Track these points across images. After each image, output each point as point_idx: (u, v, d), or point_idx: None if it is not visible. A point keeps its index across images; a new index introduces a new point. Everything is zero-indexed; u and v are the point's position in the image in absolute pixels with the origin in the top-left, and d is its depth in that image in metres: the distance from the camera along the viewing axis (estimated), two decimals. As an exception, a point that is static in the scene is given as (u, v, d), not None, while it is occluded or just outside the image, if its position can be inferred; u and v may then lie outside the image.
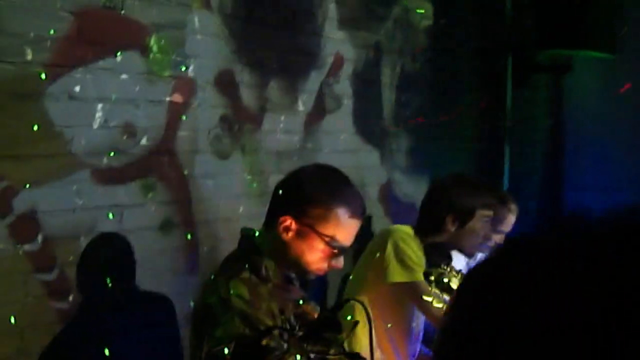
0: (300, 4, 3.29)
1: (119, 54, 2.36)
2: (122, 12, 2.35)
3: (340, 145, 3.66)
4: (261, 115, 3.12)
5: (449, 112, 4.56)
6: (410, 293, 2.55)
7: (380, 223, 3.87)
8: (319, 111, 3.50)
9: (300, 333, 1.47)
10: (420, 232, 2.68)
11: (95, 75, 2.28)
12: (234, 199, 2.97)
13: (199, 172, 2.78)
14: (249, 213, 3.03)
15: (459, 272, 1.97)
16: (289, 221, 1.72)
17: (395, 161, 4.20)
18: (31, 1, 2.06)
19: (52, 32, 2.11)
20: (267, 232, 1.76)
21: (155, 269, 2.57)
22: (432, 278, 2.05)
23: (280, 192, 1.79)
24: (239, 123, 2.97)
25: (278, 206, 1.77)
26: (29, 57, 2.07)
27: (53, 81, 2.15)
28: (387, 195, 4.13)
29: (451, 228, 2.66)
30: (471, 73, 4.86)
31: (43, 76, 2.09)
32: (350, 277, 2.84)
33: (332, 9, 3.53)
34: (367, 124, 3.89)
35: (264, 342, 1.37)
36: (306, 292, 1.88)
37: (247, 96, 3.02)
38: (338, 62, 3.61)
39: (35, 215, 2.13)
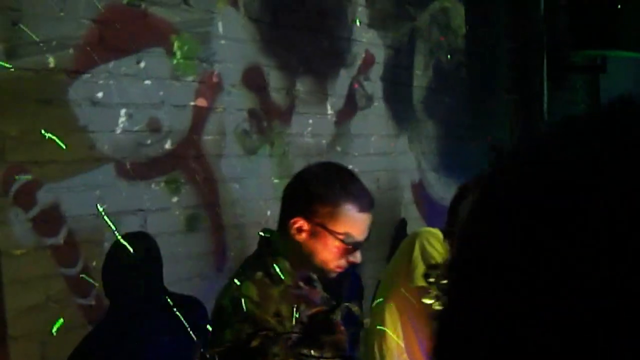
0: (327, 5, 3.28)
1: (142, 59, 2.38)
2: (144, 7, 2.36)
3: (371, 147, 3.64)
4: (289, 117, 3.12)
5: (484, 112, 4.51)
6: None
7: (414, 225, 3.83)
8: (348, 112, 3.49)
9: (297, 336, 1.45)
10: (449, 234, 2.64)
11: (117, 81, 2.31)
12: (261, 201, 2.97)
13: (226, 175, 2.79)
14: (277, 216, 3.03)
15: None
16: (300, 222, 1.72)
17: (428, 163, 4.16)
18: (53, 9, 2.09)
19: (74, 38, 2.14)
20: (282, 234, 1.76)
21: (181, 273, 2.59)
22: (432, 280, 2.01)
23: (288, 193, 1.78)
24: (266, 124, 2.97)
25: (288, 208, 1.77)
26: (52, 64, 2.10)
27: (76, 87, 2.18)
28: (421, 197, 4.09)
29: None
30: (506, 73, 4.80)
31: (65, 82, 2.12)
32: (380, 280, 2.83)
33: (361, 10, 3.52)
34: (399, 126, 3.86)
35: (253, 343, 1.36)
36: (340, 294, 1.86)
37: (275, 98, 3.03)
38: (368, 62, 3.59)
39: (59, 214, 2.16)
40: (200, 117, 2.66)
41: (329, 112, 3.34)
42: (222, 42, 2.73)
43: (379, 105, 3.68)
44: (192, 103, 2.61)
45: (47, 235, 2.13)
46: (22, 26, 2.01)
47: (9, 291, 2.00)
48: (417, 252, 2.59)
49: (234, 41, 2.77)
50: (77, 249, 2.21)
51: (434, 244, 2.59)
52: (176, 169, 2.55)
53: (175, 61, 2.52)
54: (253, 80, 2.89)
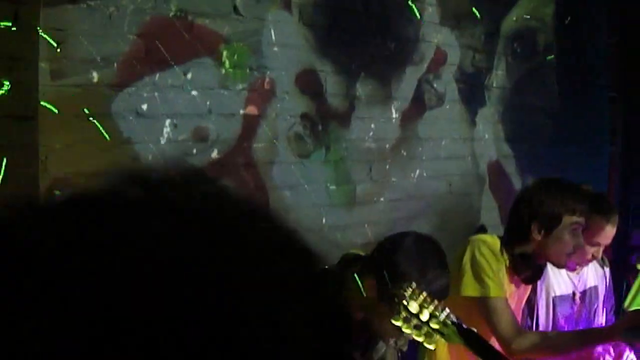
0: (391, 6, 3.23)
1: (189, 71, 2.45)
2: (192, 30, 2.44)
3: (442, 151, 3.57)
4: (348, 121, 3.11)
5: (580, 113, 4.29)
6: (481, 309, 2.44)
7: (495, 232, 3.72)
8: (415, 115, 3.43)
9: None
10: (508, 242, 2.55)
11: (163, 92, 2.40)
12: (316, 208, 2.99)
13: (278, 182, 2.83)
14: (334, 223, 3.04)
15: (422, 292, 1.81)
16: (373, 285, 1.82)
17: (511, 167, 4.02)
18: (97, 26, 2.20)
19: (119, 54, 2.24)
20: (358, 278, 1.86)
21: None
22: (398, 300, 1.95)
23: (376, 254, 1.87)
24: (322, 128, 2.98)
25: (370, 263, 1.84)
26: (95, 79, 2.21)
27: (119, 100, 2.29)
28: (504, 203, 3.95)
29: (537, 237, 2.51)
30: (605, 70, 4.53)
31: (109, 96, 2.23)
32: None
33: (430, 9, 3.44)
34: (475, 128, 3.75)
35: None
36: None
37: (332, 102, 3.03)
38: (439, 61, 3.51)
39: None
40: (250, 124, 2.71)
41: (394, 115, 3.30)
42: (275, 48, 2.76)
43: (451, 107, 3.59)
44: (242, 111, 2.66)
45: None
46: (65, 45, 2.13)
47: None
48: (466, 259, 2.52)
49: (287, 47, 2.80)
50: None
51: (485, 253, 2.50)
52: (224, 177, 2.62)
53: (224, 70, 2.58)
54: (308, 85, 2.91)
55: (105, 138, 2.25)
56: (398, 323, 1.73)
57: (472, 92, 3.70)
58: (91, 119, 2.22)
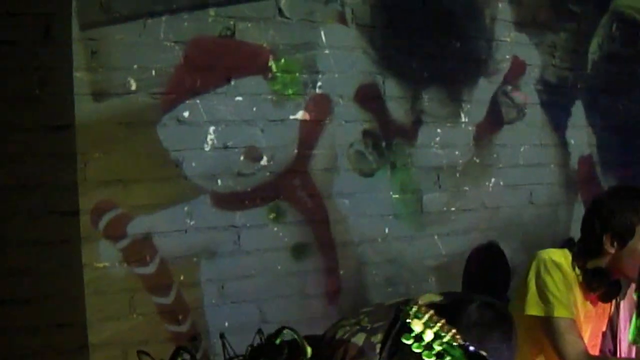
0: (457, 5, 3.11)
1: (233, 79, 2.45)
2: (235, 36, 2.43)
3: (521, 158, 3.37)
4: (413, 128, 3.00)
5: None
6: (545, 329, 2.27)
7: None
8: (492, 122, 3.26)
9: None
10: (580, 256, 2.37)
11: (207, 100, 2.40)
12: (378, 218, 2.89)
13: (338, 191, 2.75)
14: (397, 234, 2.93)
15: (430, 309, 1.69)
16: None
17: (606, 176, 3.75)
18: (131, 34, 2.23)
19: (154, 61, 2.26)
20: None
21: (284, 293, 2.60)
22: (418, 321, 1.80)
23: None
24: (385, 138, 2.89)
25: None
26: (133, 87, 2.24)
27: (160, 109, 2.31)
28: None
29: (610, 249, 2.33)
30: None
31: (146, 104, 2.26)
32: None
33: (503, 8, 3.28)
34: (558, 134, 3.53)
35: None
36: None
37: (394, 109, 2.93)
38: (516, 66, 3.34)
39: (150, 239, 2.29)
40: (304, 132, 2.65)
41: (463, 120, 3.15)
42: (327, 52, 2.70)
43: (530, 111, 3.39)
44: (292, 117, 2.61)
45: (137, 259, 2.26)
46: (100, 54, 2.17)
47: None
48: (531, 276, 2.39)
49: (340, 50, 2.73)
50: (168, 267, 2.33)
51: (551, 269, 2.35)
52: (277, 188, 2.58)
53: (272, 75, 2.55)
54: (364, 91, 2.83)
55: (144, 146, 2.26)
56: (407, 342, 1.64)
57: (555, 95, 3.49)
58: (129, 127, 2.24)
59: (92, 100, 2.20)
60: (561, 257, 2.41)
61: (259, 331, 1.75)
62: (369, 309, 1.98)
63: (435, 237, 3.08)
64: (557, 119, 3.53)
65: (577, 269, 2.39)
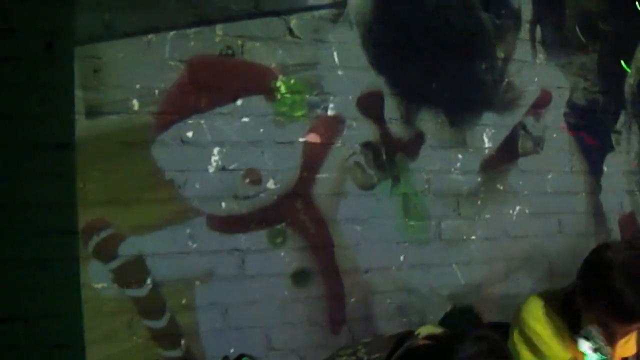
0: (478, 26, 3.10)
1: (239, 99, 2.48)
2: (243, 55, 2.47)
3: (548, 185, 3.32)
4: (431, 153, 2.98)
5: None
6: None
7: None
8: (516, 148, 3.22)
9: None
10: (571, 298, 2.23)
11: (211, 120, 2.43)
12: (391, 245, 2.87)
13: (345, 216, 2.75)
14: (412, 261, 2.91)
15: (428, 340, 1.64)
16: None
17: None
18: (134, 53, 2.28)
19: (160, 81, 2.31)
20: None
21: (288, 319, 2.60)
22: None
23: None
24: (395, 162, 2.88)
25: None
26: (135, 107, 2.29)
27: (163, 128, 2.35)
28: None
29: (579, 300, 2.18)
30: None
31: (149, 123, 2.30)
32: None
33: (530, 29, 3.26)
34: (590, 160, 3.46)
35: None
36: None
37: (401, 130, 2.92)
38: (545, 92, 3.30)
39: (149, 261, 2.32)
40: (311, 155, 2.67)
41: (486, 145, 3.12)
42: (339, 72, 2.72)
43: (558, 136, 3.34)
44: (299, 139, 2.63)
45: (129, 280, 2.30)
46: (102, 73, 2.23)
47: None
48: (515, 336, 2.23)
49: (349, 69, 2.75)
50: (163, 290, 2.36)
51: (533, 324, 2.19)
52: (279, 211, 2.59)
53: (279, 96, 2.58)
54: (377, 113, 2.83)
55: (145, 165, 2.30)
56: None
57: (585, 118, 3.43)
58: (130, 146, 2.29)
59: (93, 119, 2.26)
60: (539, 310, 2.24)
61: (225, 357, 1.76)
62: (368, 339, 1.97)
63: (454, 265, 3.04)
64: (589, 144, 3.47)
65: (557, 316, 2.20)
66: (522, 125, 3.24)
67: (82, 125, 2.23)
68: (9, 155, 2.15)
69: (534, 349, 2.14)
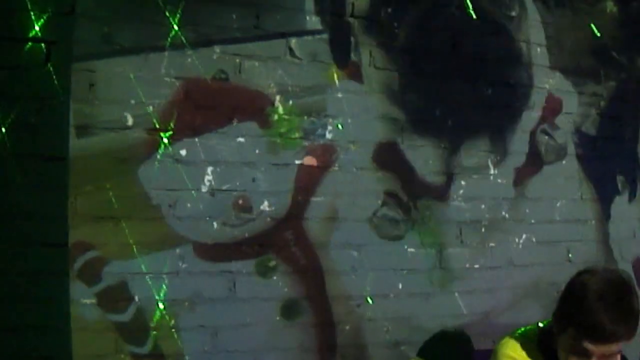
0: (490, 49, 3.16)
1: (235, 120, 2.55)
2: (240, 74, 2.55)
3: (557, 213, 3.36)
4: (433, 180, 3.04)
5: None
6: None
7: None
8: (523, 175, 3.28)
9: None
10: (548, 336, 2.27)
11: (205, 139, 2.51)
12: (391, 273, 2.92)
13: (340, 240, 2.81)
14: (413, 290, 2.95)
15: None
16: None
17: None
18: (131, 68, 2.37)
19: (155, 98, 2.40)
20: None
21: (279, 346, 2.65)
22: None
23: None
24: (407, 195, 2.94)
25: None
26: (130, 122, 2.37)
27: (155, 144, 2.43)
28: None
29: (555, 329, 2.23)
30: None
31: (143, 139, 2.38)
32: None
33: (540, 52, 3.33)
34: (601, 187, 3.50)
35: None
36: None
37: (412, 158, 2.99)
38: (551, 109, 3.36)
39: (126, 284, 2.38)
40: (304, 177, 2.73)
41: (491, 172, 3.18)
42: (339, 95, 2.79)
43: (567, 162, 3.39)
44: (297, 162, 2.69)
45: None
46: (98, 87, 2.31)
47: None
48: None
49: (354, 94, 2.82)
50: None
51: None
52: (271, 233, 2.64)
53: (276, 118, 2.65)
54: (379, 137, 2.90)
55: (136, 183, 2.38)
56: None
57: (595, 145, 3.48)
58: (122, 162, 2.37)
59: (87, 133, 2.35)
60: (517, 349, 2.28)
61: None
62: None
63: (456, 294, 3.09)
64: (600, 171, 3.51)
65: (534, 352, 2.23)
66: (538, 144, 3.29)
67: (76, 139, 2.32)
68: (2, 165, 2.23)
69: None
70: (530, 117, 3.32)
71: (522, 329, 2.32)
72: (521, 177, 3.28)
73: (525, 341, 2.25)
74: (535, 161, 3.34)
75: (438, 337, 3.00)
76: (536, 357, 2.20)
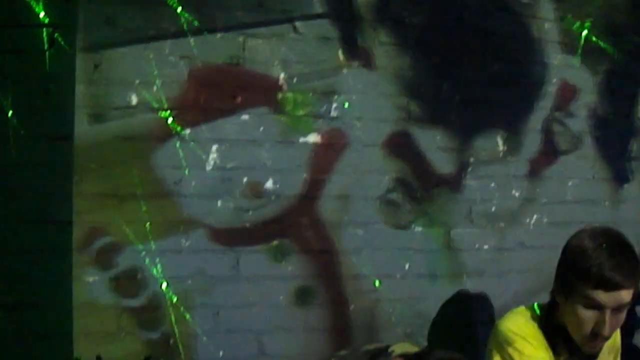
0: (499, 28, 3.25)
1: (242, 100, 2.67)
2: (244, 53, 2.67)
3: (569, 193, 3.45)
4: (441, 156, 3.14)
5: None
6: None
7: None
8: (535, 154, 3.36)
9: None
10: (548, 309, 2.38)
11: (212, 119, 2.63)
12: (398, 253, 3.02)
13: (351, 220, 2.92)
14: (420, 271, 3.06)
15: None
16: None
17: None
18: (135, 48, 2.49)
19: (160, 78, 2.52)
20: None
21: (288, 326, 2.77)
22: None
23: None
24: (416, 180, 3.04)
25: None
26: (133, 101, 2.50)
27: (159, 123, 2.56)
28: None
29: (559, 299, 2.35)
30: None
31: (147, 119, 2.51)
32: None
33: (552, 29, 3.40)
34: (615, 167, 3.58)
35: None
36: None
37: (419, 135, 3.09)
38: (567, 95, 3.43)
39: (142, 259, 2.52)
40: (315, 157, 2.84)
41: (500, 149, 3.27)
42: (344, 71, 2.90)
43: (580, 141, 3.48)
44: (303, 140, 2.81)
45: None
46: (103, 67, 2.44)
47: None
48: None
49: (365, 74, 2.92)
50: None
51: (522, 347, 2.32)
52: (281, 212, 2.76)
53: (286, 97, 2.76)
54: (386, 114, 3.00)
55: (142, 162, 2.51)
56: None
57: (609, 124, 3.56)
58: (127, 141, 2.50)
59: (92, 114, 2.48)
60: (520, 321, 2.40)
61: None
62: (342, 353, 2.14)
63: (465, 276, 3.19)
64: (614, 151, 3.59)
65: (539, 327, 2.37)
66: (550, 121, 3.37)
67: (81, 120, 2.46)
68: (8, 145, 2.37)
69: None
70: (543, 95, 3.40)
71: (521, 307, 2.44)
72: (531, 155, 3.37)
73: (525, 317, 2.37)
74: (548, 143, 3.41)
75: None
76: (536, 333, 2.31)
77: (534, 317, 2.37)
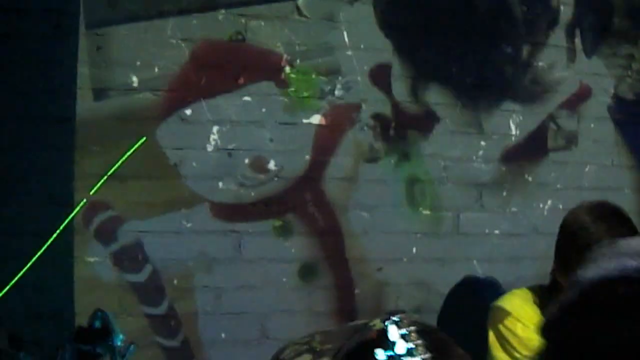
0: (505, 8, 3.33)
1: (245, 80, 2.79)
2: (246, 33, 2.79)
3: (585, 179, 3.51)
4: (451, 139, 3.22)
5: None
6: None
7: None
8: (543, 139, 3.43)
9: None
10: (548, 290, 2.45)
11: (215, 100, 2.75)
12: (402, 236, 3.12)
13: (356, 203, 3.02)
14: (425, 254, 3.15)
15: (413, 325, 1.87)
16: None
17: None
18: (137, 30, 2.63)
19: (159, 58, 2.65)
20: None
21: (291, 309, 2.89)
22: None
23: None
24: (409, 136, 3.14)
25: None
26: (135, 84, 2.63)
27: (161, 105, 2.69)
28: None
29: (560, 278, 2.42)
30: None
31: (149, 100, 2.64)
32: None
33: (568, 11, 3.47)
34: (635, 154, 3.63)
35: None
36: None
37: (418, 112, 3.18)
38: (582, 90, 3.50)
39: (143, 240, 2.66)
40: (319, 138, 2.96)
41: (513, 133, 3.34)
42: (348, 52, 3.00)
43: (597, 127, 3.52)
44: (306, 121, 2.92)
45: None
46: (105, 49, 2.58)
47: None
48: (492, 339, 2.44)
49: (363, 50, 3.02)
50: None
51: (512, 326, 2.39)
52: (282, 194, 2.88)
53: (287, 78, 2.88)
54: (384, 84, 3.09)
55: (142, 142, 2.64)
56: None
57: (631, 109, 3.61)
58: (129, 123, 2.63)
59: (93, 95, 2.62)
60: (516, 302, 2.48)
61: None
62: (327, 329, 2.19)
63: (475, 262, 3.27)
64: (637, 137, 3.63)
65: (538, 307, 2.44)
66: (553, 118, 3.44)
67: (83, 101, 2.60)
68: (10, 126, 2.52)
69: (509, 342, 2.36)
70: (557, 78, 3.46)
71: (521, 289, 2.52)
72: (544, 139, 3.43)
73: (522, 299, 2.45)
74: (558, 128, 3.47)
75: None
76: (532, 315, 2.39)
77: (533, 299, 2.44)
